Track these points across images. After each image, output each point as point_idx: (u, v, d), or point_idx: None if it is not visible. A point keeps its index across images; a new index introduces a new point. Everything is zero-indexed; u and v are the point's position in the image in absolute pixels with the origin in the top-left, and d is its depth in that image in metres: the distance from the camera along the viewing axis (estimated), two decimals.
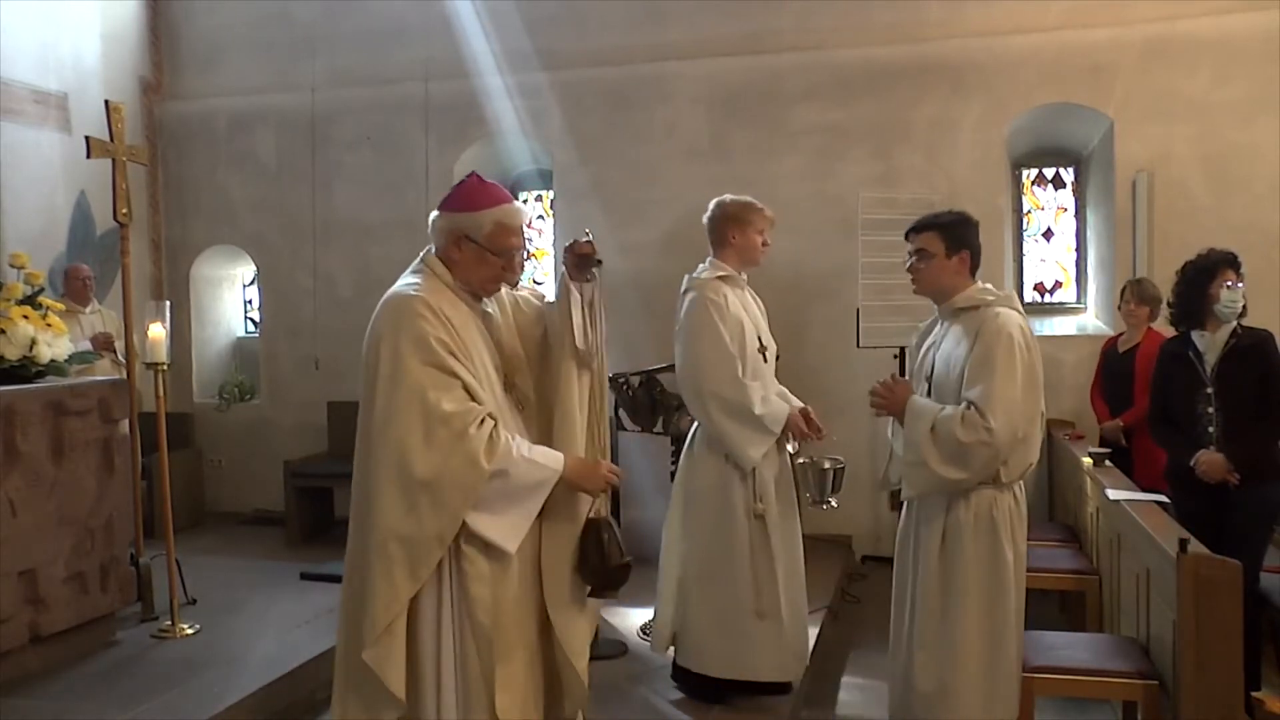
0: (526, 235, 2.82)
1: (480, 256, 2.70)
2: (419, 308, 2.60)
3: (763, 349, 4.06)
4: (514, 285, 4.62)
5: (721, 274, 4.04)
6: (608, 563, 2.76)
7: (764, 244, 4.07)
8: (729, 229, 4.04)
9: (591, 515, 2.80)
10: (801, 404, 4.06)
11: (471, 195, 2.73)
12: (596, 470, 2.77)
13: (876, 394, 3.38)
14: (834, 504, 3.99)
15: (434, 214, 2.78)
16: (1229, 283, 4.30)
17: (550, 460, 2.68)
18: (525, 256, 4.94)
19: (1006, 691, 3.29)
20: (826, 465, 3.94)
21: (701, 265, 4.10)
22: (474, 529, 2.59)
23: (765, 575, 3.94)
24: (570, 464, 2.70)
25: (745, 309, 4.07)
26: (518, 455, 2.61)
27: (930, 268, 3.35)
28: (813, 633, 4.94)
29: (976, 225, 3.42)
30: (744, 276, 4.14)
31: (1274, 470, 4.26)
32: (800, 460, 3.98)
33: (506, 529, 2.62)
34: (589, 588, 2.81)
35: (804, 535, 5.96)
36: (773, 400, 3.98)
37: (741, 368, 3.93)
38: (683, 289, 4.08)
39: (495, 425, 2.60)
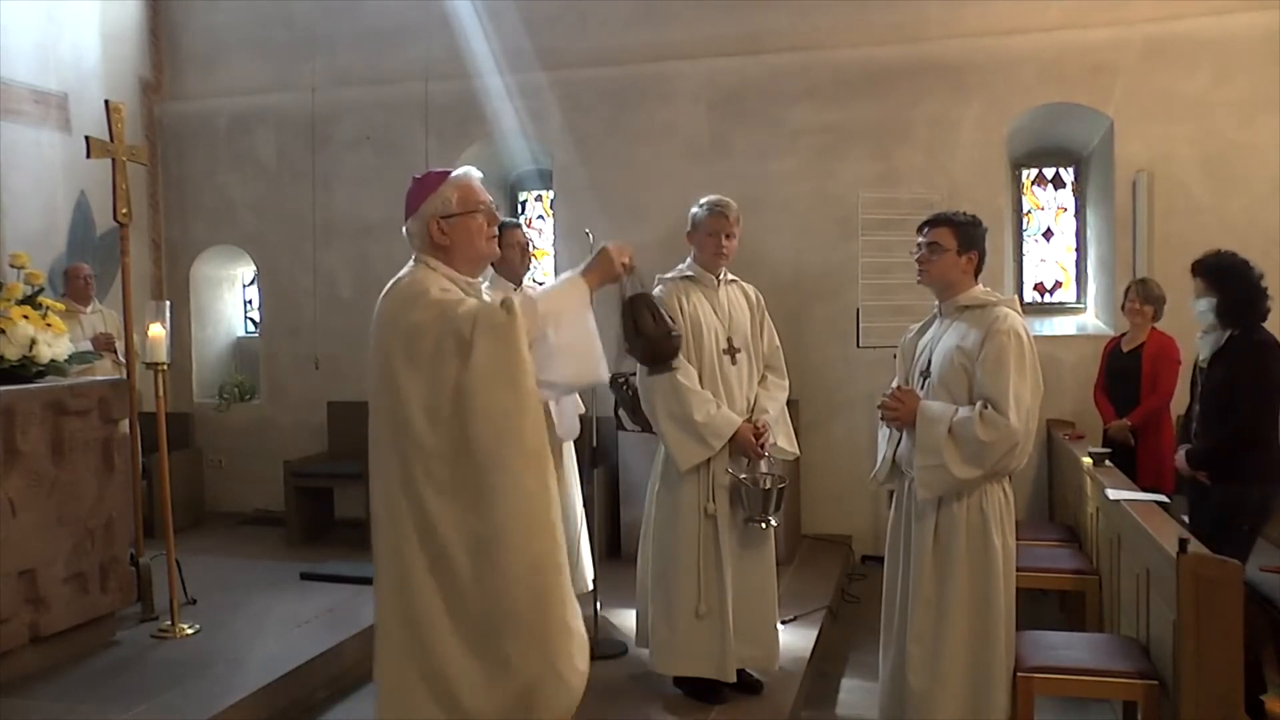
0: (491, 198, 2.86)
1: (463, 224, 2.75)
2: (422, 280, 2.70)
3: (732, 350, 4.06)
4: (519, 284, 4.65)
5: (688, 275, 4.10)
6: (659, 328, 2.89)
7: (722, 242, 4.03)
8: (688, 234, 4.12)
9: (631, 294, 2.90)
10: (769, 414, 4.05)
11: (421, 188, 2.80)
12: (608, 257, 2.77)
13: (887, 407, 3.44)
14: (773, 522, 3.99)
15: (403, 229, 2.83)
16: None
17: (560, 280, 2.75)
18: (529, 261, 4.95)
19: (996, 690, 3.31)
20: (768, 484, 3.94)
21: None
22: (551, 381, 2.65)
23: (709, 575, 3.95)
24: (584, 274, 2.75)
25: (715, 309, 4.08)
26: (527, 298, 2.65)
27: (941, 261, 3.42)
28: (812, 633, 4.96)
29: (986, 232, 3.51)
30: (720, 276, 4.14)
31: (1248, 472, 4.28)
32: (742, 476, 3.95)
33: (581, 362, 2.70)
34: (644, 363, 2.92)
35: (804, 535, 5.92)
36: (720, 413, 3.93)
37: (694, 372, 3.94)
38: None
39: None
